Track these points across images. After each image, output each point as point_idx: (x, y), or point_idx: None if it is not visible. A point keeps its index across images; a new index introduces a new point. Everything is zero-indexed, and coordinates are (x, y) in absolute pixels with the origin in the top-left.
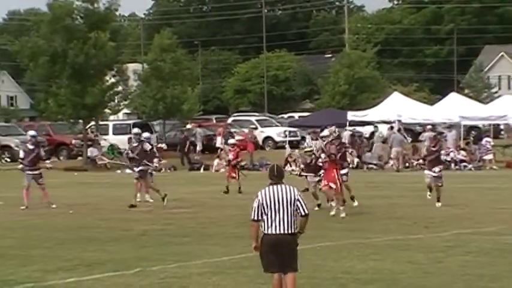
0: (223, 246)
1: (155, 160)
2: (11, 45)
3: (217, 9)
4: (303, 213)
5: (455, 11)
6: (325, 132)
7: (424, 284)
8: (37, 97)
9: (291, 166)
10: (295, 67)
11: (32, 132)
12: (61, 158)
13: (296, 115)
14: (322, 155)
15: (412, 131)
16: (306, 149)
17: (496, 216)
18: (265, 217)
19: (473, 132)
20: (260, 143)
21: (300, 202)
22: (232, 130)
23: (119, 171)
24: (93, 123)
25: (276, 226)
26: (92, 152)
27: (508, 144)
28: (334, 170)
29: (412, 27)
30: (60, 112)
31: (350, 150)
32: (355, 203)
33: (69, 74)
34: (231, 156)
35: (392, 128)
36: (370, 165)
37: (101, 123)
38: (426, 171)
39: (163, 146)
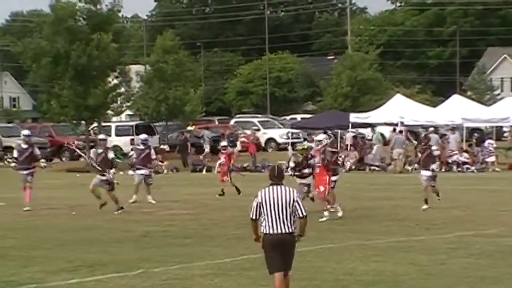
0: (226, 248)
1: (112, 170)
2: (13, 46)
3: (220, 11)
4: (300, 215)
5: (458, 13)
6: (320, 137)
7: (426, 286)
8: (40, 98)
9: None
10: (298, 69)
11: (25, 132)
12: (63, 159)
13: (298, 117)
14: (316, 159)
15: (415, 133)
16: (298, 147)
17: (498, 218)
18: (264, 217)
19: (475, 134)
20: (262, 144)
21: (298, 204)
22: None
23: (121, 172)
24: (95, 124)
25: (274, 226)
26: (95, 153)
27: (511, 146)
28: (326, 176)
29: (414, 29)
30: (63, 113)
31: (340, 155)
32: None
33: (71, 75)
34: (222, 159)
35: (394, 130)
36: (373, 167)
37: (103, 124)
38: (422, 172)
39: (166, 147)
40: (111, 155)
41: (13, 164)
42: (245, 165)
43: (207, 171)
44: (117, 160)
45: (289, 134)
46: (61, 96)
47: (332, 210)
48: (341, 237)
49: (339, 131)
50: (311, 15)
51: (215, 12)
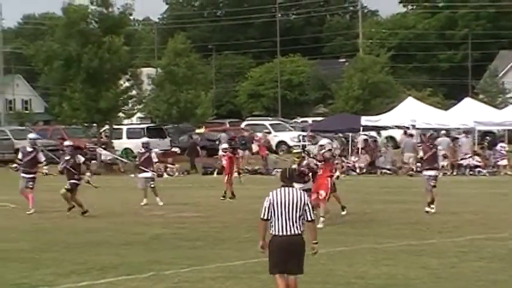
0: (237, 251)
1: (87, 174)
2: (25, 49)
3: (231, 14)
4: (309, 219)
5: (470, 16)
6: (323, 141)
7: None
8: (51, 101)
9: None
10: (309, 72)
11: (31, 135)
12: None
13: (310, 120)
14: (318, 163)
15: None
16: (294, 151)
17: (510, 221)
18: (274, 218)
19: (487, 137)
20: (273, 147)
21: (308, 207)
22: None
23: (132, 175)
24: (107, 127)
25: (284, 228)
26: (105, 155)
27: None
28: (328, 178)
29: (426, 32)
30: (75, 116)
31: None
32: (344, 212)
33: (83, 78)
34: (224, 162)
35: (406, 133)
36: (384, 170)
37: (114, 127)
38: (425, 172)
39: (177, 150)
40: (80, 159)
41: (14, 165)
42: (256, 167)
43: (218, 173)
44: (128, 162)
45: (301, 137)
46: (73, 99)
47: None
48: (352, 241)
49: (350, 134)
50: (322, 18)
51: (226, 15)
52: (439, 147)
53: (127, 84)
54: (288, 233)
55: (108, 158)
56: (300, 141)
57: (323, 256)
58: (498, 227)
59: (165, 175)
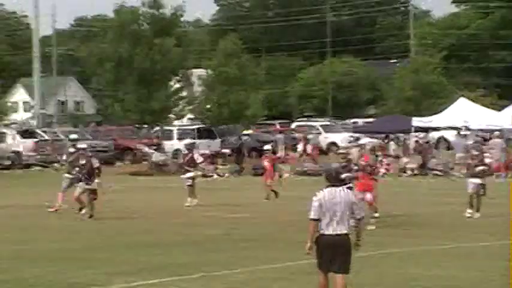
0: (288, 252)
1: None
2: (78, 51)
3: (282, 15)
4: (358, 217)
5: None
6: (364, 140)
7: None
8: (103, 102)
9: None
10: (360, 72)
11: (72, 136)
12: (126, 162)
13: (360, 121)
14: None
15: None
16: (339, 151)
17: None
18: (322, 217)
19: None
20: (324, 148)
21: (356, 205)
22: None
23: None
24: (158, 128)
25: (332, 227)
26: (157, 156)
27: None
28: (371, 181)
29: (479, 33)
30: (126, 117)
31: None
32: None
33: (134, 79)
34: (265, 163)
35: (459, 134)
36: (435, 172)
37: (165, 128)
38: (470, 179)
39: (227, 151)
40: (95, 162)
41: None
42: (305, 168)
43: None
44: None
45: (351, 138)
46: (124, 100)
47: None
48: (404, 243)
49: (402, 135)
50: (373, 19)
51: (277, 16)
52: (485, 154)
53: (178, 85)
54: (335, 233)
55: (159, 159)
56: (350, 142)
57: (373, 258)
58: None
59: (215, 176)
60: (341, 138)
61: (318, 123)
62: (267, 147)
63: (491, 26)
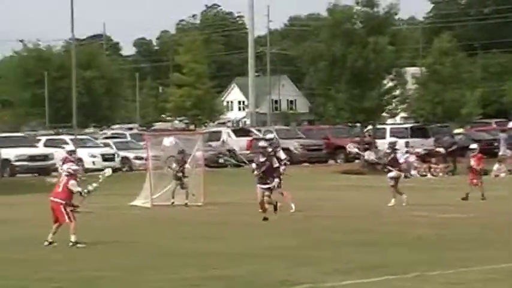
0: (502, 253)
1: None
2: (291, 50)
3: (498, 11)
4: None
5: None
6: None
7: None
8: (316, 101)
9: None
10: None
11: (270, 136)
12: (338, 161)
13: None
14: None
15: None
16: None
17: None
18: None
19: None
20: None
21: None
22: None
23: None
24: (370, 126)
25: None
26: (369, 155)
27: None
28: None
29: None
30: (338, 116)
31: None
32: None
33: (348, 78)
34: (472, 162)
35: None
36: None
37: (378, 126)
38: None
39: (441, 150)
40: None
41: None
42: None
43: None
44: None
45: None
46: (337, 99)
47: None
48: None
49: None
50: None
51: (493, 13)
52: None
53: (391, 84)
54: None
55: (371, 158)
56: None
57: None
58: None
59: (429, 175)
60: None
61: None
62: (474, 146)
63: None
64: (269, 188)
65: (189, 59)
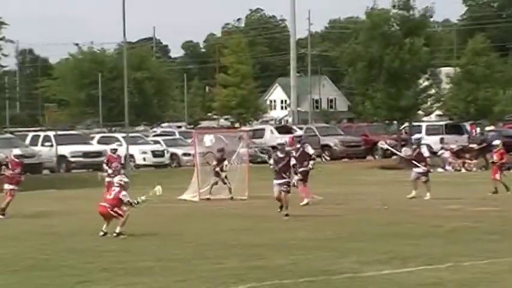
0: None
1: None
2: (331, 51)
3: None
4: None
5: None
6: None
7: None
8: (355, 100)
9: None
10: None
11: (298, 133)
12: (376, 157)
13: None
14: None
15: None
16: None
17: None
18: None
19: None
20: None
21: None
22: None
23: (431, 170)
24: (406, 124)
25: None
26: (406, 151)
27: None
28: None
29: None
30: (376, 114)
31: None
32: None
33: (385, 78)
34: (495, 157)
35: None
36: None
37: (414, 124)
38: None
39: (475, 146)
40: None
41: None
42: None
43: None
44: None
45: None
46: (375, 98)
47: None
48: None
49: None
50: None
51: None
52: None
53: (426, 83)
54: None
55: (408, 154)
56: None
57: None
58: None
59: (463, 170)
60: None
61: None
62: (496, 142)
63: None
64: (286, 183)
65: (234, 61)
